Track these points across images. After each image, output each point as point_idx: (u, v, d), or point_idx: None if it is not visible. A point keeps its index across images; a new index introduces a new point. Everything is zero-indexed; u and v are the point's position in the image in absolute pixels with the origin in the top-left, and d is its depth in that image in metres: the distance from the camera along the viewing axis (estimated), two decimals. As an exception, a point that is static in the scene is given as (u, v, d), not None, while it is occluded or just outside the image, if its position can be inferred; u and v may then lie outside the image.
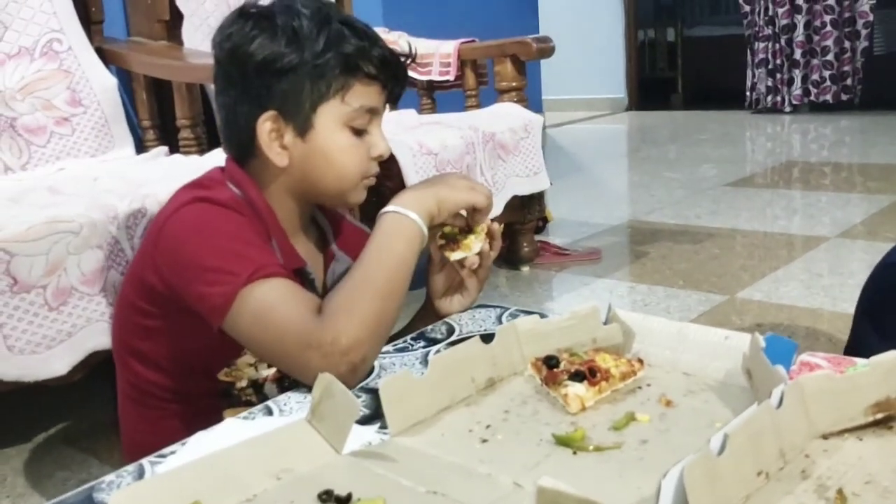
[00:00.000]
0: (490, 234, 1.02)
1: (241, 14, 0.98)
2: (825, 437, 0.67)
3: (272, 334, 0.88)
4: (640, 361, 0.82)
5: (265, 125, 0.97)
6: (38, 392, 1.52)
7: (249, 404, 0.98)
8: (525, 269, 2.63)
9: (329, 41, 0.95)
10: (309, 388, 0.77)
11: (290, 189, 1.01)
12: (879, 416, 0.68)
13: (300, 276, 1.01)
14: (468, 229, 1.01)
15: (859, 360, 0.77)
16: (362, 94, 0.98)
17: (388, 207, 0.94)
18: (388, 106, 1.05)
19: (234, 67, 0.98)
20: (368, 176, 1.02)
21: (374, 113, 1.00)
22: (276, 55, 0.94)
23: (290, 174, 1.00)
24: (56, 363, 1.43)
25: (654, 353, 0.85)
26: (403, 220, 0.93)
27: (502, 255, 1.04)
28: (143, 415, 1.07)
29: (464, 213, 1.01)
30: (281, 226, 1.01)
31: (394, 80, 1.01)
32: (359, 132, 0.99)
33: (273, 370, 1.04)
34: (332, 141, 0.98)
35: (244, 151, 1.00)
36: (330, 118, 0.97)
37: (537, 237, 2.77)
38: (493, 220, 1.04)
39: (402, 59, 1.02)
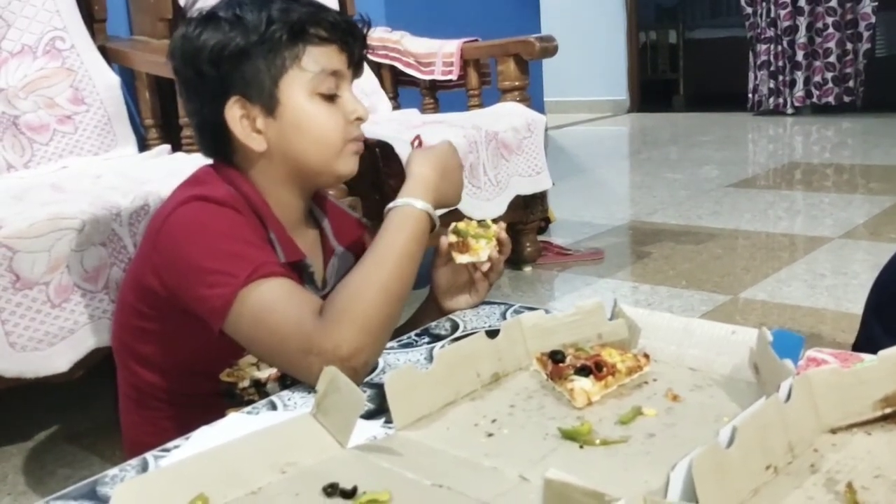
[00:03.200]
0: (500, 242, 1.02)
1: (186, 21, 0.99)
2: (833, 431, 0.67)
3: (273, 338, 0.87)
4: (647, 356, 0.82)
5: (233, 112, 0.96)
6: (39, 389, 1.52)
7: (251, 404, 0.98)
8: (528, 268, 2.63)
9: (272, 16, 0.95)
10: (312, 387, 0.77)
11: (277, 176, 1.00)
12: (888, 410, 0.68)
13: (300, 269, 1.01)
14: (477, 238, 1.01)
15: (867, 356, 0.76)
16: (318, 56, 0.97)
17: (397, 201, 0.95)
18: (356, 74, 1.03)
19: (189, 69, 0.98)
20: (352, 139, 1.01)
21: (338, 76, 0.99)
22: (224, 42, 0.95)
23: (271, 158, 0.99)
24: (58, 360, 1.43)
25: (659, 348, 0.85)
26: (410, 212, 0.93)
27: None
28: (144, 416, 1.06)
29: (478, 216, 1.01)
30: (278, 219, 1.00)
31: (350, 40, 1.00)
32: (329, 98, 0.98)
33: (275, 369, 1.03)
34: (303, 111, 0.97)
35: (223, 151, 1.00)
36: (294, 89, 0.97)
37: (540, 237, 2.77)
38: (499, 220, 1.04)
39: (356, 22, 1.02)
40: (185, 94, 1.02)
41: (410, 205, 0.94)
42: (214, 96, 0.97)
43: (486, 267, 1.03)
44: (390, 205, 0.95)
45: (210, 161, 1.04)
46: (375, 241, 0.92)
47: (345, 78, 1.00)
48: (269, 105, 0.97)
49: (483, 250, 0.99)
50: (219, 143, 1.00)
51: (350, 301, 0.86)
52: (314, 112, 0.98)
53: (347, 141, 1.00)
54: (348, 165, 1.02)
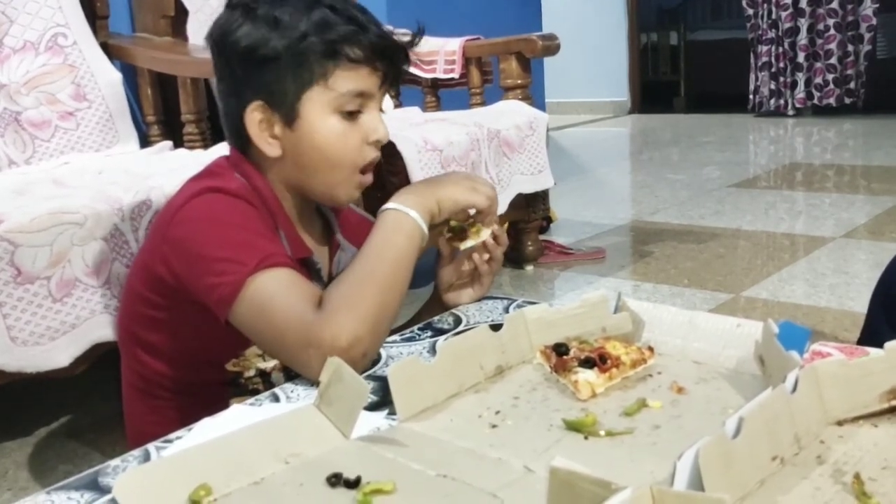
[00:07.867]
0: (496, 239, 1.02)
1: (231, 5, 0.98)
2: (840, 423, 0.67)
3: (273, 329, 0.87)
4: (651, 349, 0.82)
5: (253, 115, 0.96)
6: (40, 385, 1.51)
7: (256, 393, 0.98)
8: (529, 268, 2.63)
9: (310, 27, 0.93)
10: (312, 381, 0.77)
11: (286, 180, 1.00)
12: (894, 402, 0.67)
13: (307, 266, 1.00)
14: (473, 223, 1.01)
15: (872, 350, 0.76)
16: (348, 78, 0.95)
17: (389, 204, 0.93)
18: (388, 92, 1.02)
19: (222, 57, 0.97)
20: (365, 163, 0.99)
21: (366, 97, 0.97)
22: (258, 42, 0.93)
23: (284, 164, 0.98)
24: (59, 355, 1.43)
25: (664, 341, 0.84)
26: (404, 218, 0.92)
27: (507, 255, 1.04)
28: (149, 405, 1.06)
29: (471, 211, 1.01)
30: (287, 215, 1.00)
31: (387, 63, 0.97)
32: (351, 115, 0.96)
33: (280, 359, 1.03)
34: (320, 128, 0.95)
35: (241, 141, 1.00)
36: (316, 105, 0.95)
37: (541, 237, 2.77)
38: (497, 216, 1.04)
39: (400, 42, 0.99)
40: (217, 76, 1.01)
41: (402, 211, 0.92)
42: (238, 93, 0.96)
43: (486, 256, 1.03)
44: (384, 207, 0.94)
45: (226, 152, 1.04)
46: (371, 239, 0.91)
47: (372, 98, 0.98)
48: (289, 116, 0.95)
49: (483, 231, 1.00)
50: (236, 132, 0.99)
51: (349, 292, 0.86)
52: (331, 130, 0.96)
53: (358, 167, 0.98)
54: (349, 194, 1.01)
